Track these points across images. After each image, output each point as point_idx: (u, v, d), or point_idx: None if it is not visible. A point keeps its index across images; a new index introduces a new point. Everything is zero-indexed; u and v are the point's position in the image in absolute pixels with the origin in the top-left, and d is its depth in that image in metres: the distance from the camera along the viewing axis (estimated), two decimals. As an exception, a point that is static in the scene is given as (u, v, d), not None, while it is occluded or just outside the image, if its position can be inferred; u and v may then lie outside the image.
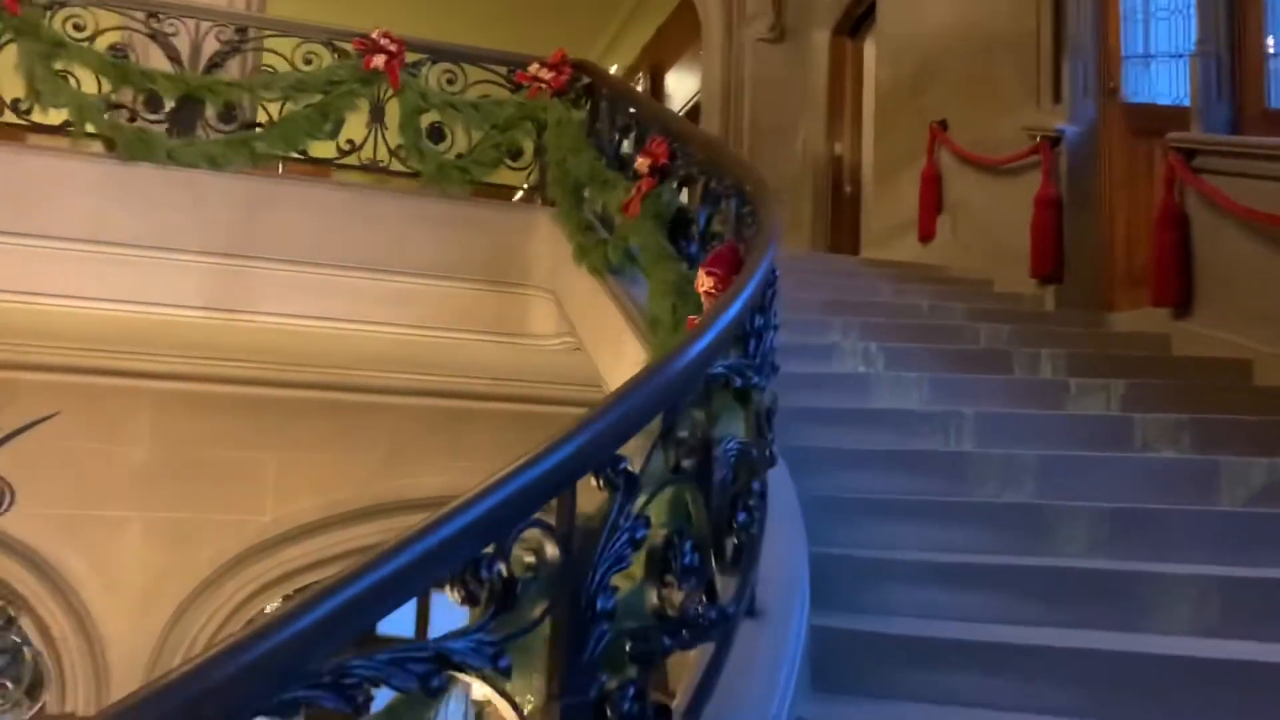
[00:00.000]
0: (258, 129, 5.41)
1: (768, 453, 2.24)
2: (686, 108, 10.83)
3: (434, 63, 5.77)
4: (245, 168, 5.32)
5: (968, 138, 6.62)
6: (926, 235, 6.66)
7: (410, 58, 5.70)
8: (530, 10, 12.05)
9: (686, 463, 1.78)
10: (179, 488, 7.07)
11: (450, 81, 5.75)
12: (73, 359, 6.69)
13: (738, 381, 2.11)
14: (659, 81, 11.92)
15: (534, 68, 5.78)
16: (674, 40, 11.47)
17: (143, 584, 6.92)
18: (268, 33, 5.61)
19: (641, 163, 4.14)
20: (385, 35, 5.60)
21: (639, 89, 12.15)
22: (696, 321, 2.72)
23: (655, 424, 1.69)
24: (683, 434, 1.78)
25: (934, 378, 4.13)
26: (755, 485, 2.09)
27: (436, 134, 5.68)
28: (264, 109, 5.51)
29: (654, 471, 1.67)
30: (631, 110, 4.87)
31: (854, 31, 8.99)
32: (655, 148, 4.12)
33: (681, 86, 11.19)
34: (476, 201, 5.71)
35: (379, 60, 5.53)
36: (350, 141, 5.58)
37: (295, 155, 5.50)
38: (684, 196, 4.33)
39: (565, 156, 5.25)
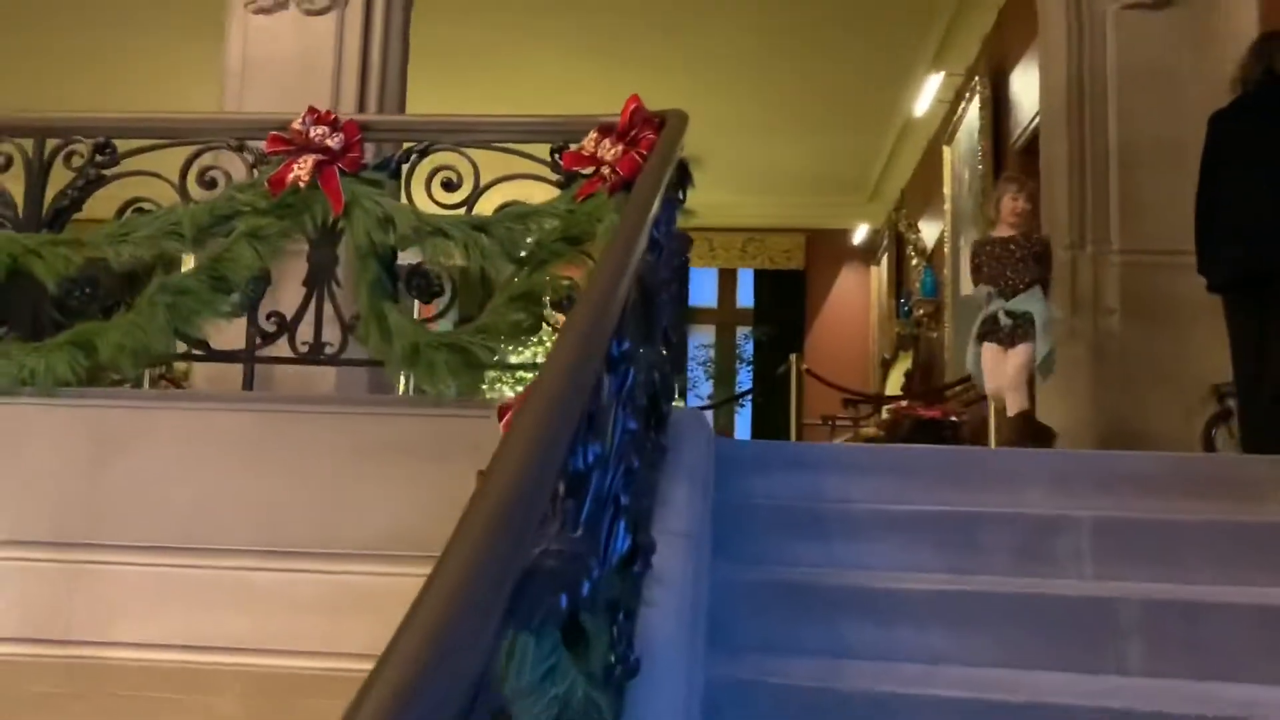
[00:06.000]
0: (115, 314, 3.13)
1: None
2: (1030, 125, 7.33)
3: (421, 155, 3.18)
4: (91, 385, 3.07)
5: None
6: None
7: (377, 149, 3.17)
8: (823, 31, 9.07)
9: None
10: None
11: (448, 186, 3.13)
12: None
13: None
14: (1001, 88, 8.45)
15: (589, 140, 3.01)
16: (1019, 28, 7.97)
17: None
18: (143, 141, 3.27)
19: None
20: (321, 118, 3.10)
21: (987, 99, 8.75)
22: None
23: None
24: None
25: None
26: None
27: (421, 285, 3.10)
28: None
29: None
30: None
31: (1305, -35, 5.19)
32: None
33: (1031, 92, 7.68)
34: (473, 407, 2.99)
35: (302, 167, 3.04)
36: (277, 317, 3.14)
37: (189, 351, 3.15)
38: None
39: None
